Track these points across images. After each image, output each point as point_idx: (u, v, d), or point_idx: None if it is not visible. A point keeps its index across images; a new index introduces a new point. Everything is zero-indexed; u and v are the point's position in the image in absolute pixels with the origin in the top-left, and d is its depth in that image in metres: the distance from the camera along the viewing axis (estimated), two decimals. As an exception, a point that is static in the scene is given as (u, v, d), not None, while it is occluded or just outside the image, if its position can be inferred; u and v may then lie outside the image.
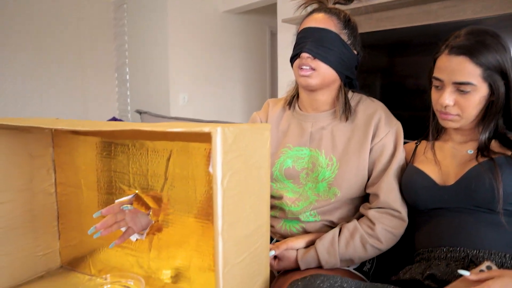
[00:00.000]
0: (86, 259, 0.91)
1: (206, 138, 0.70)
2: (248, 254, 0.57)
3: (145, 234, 0.77)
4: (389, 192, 0.96)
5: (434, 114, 0.98)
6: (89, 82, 3.72)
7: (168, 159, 0.74)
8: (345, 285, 0.62)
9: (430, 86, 0.93)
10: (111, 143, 0.82)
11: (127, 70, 3.86)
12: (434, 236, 0.87)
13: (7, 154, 0.82)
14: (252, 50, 4.08)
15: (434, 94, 0.92)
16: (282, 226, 1.07)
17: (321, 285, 0.60)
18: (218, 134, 0.48)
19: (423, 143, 1.03)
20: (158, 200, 0.77)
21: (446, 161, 0.92)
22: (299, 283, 0.60)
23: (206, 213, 0.72)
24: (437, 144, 0.98)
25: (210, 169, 0.66)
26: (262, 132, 0.61)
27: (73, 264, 0.93)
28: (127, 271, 0.83)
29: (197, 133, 0.69)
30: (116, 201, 0.78)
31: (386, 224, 0.95)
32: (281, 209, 1.07)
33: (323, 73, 0.99)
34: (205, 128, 0.49)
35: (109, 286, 0.79)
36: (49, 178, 0.91)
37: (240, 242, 0.54)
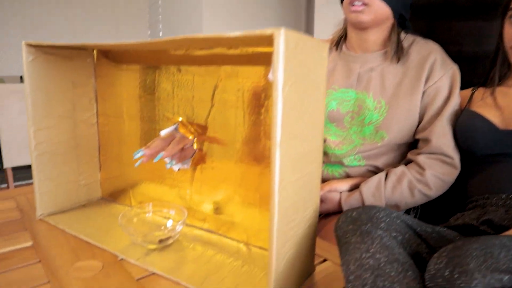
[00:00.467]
0: (127, 191, 0.91)
1: (259, 59, 0.66)
2: (302, 176, 0.54)
3: (189, 164, 0.75)
4: (442, 136, 0.90)
5: (497, 59, 0.90)
6: (122, 38, 3.71)
7: (216, 85, 0.71)
8: (402, 218, 0.58)
9: (502, 23, 0.85)
10: (155, 69, 0.79)
11: (160, 27, 3.82)
12: (491, 182, 0.81)
13: (51, 80, 0.81)
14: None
15: (509, 28, 0.84)
16: (324, 171, 1.04)
17: (377, 214, 0.56)
18: (281, 36, 0.44)
19: (480, 89, 0.96)
20: (203, 128, 0.74)
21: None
22: (353, 213, 0.57)
23: (253, 143, 0.69)
24: (500, 89, 0.90)
25: (270, 76, 0.62)
26: (321, 50, 0.56)
27: (114, 196, 0.93)
28: (167, 202, 0.82)
29: (250, 55, 0.66)
30: (161, 132, 0.76)
31: (437, 170, 0.90)
32: (324, 152, 1.03)
33: (376, 9, 0.92)
34: (267, 30, 0.44)
35: (150, 214, 0.79)
36: (91, 108, 0.90)
37: (295, 160, 0.51)
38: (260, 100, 0.66)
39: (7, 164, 2.19)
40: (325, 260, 0.69)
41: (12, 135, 2.15)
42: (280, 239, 0.50)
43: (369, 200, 0.90)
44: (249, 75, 0.67)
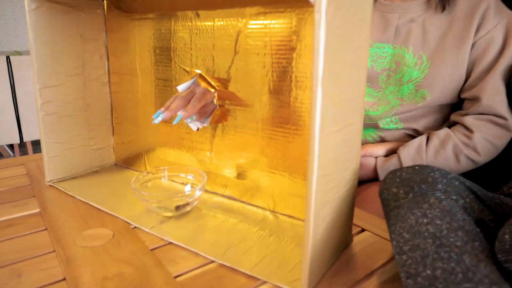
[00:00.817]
0: (141, 157, 0.84)
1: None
2: (344, 128, 0.45)
3: (208, 121, 0.67)
4: (494, 94, 0.79)
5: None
6: None
7: (239, 30, 0.62)
8: (460, 179, 0.49)
9: None
10: (171, 17, 0.70)
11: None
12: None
13: (57, 32, 0.73)
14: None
15: None
16: (357, 135, 0.94)
17: (432, 174, 0.47)
18: None
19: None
20: (224, 81, 0.66)
21: None
22: (403, 173, 0.48)
23: (282, 95, 0.60)
24: None
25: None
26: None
27: (128, 161, 0.87)
28: (185, 166, 0.75)
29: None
30: (178, 87, 0.67)
31: (487, 133, 0.79)
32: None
33: None
34: None
35: (166, 179, 0.71)
36: (102, 65, 0.82)
37: (338, 105, 0.42)
38: (291, 43, 0.56)
39: (27, 137, 2.17)
40: (363, 230, 0.61)
41: (30, 108, 2.12)
42: (319, 201, 0.42)
43: (408, 165, 0.80)
44: (278, 16, 0.57)
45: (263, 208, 0.67)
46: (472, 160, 0.80)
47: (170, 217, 0.64)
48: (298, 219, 0.64)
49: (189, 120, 0.67)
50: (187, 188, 0.70)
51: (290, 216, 0.64)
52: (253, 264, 0.51)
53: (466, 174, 0.93)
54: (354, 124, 0.48)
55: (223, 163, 0.70)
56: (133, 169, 0.86)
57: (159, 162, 0.80)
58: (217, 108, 0.67)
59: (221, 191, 0.72)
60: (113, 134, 0.87)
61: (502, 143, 0.80)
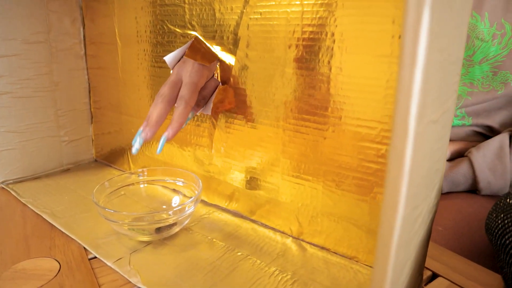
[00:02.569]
0: (124, 152, 0.64)
1: None
2: (441, 115, 0.24)
3: (210, 107, 0.46)
4: None
5: None
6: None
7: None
8: None
9: None
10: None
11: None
12: None
13: (10, -17, 0.54)
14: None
15: None
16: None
17: None
18: None
19: None
20: (230, 47, 0.45)
21: None
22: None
23: (312, 69, 0.39)
24: None
25: None
26: None
27: (111, 158, 0.67)
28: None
29: None
30: (165, 58, 0.47)
31: None
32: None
33: None
34: None
35: (145, 185, 0.52)
36: (76, 33, 0.63)
37: (438, 86, 0.20)
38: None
39: None
40: (436, 276, 0.40)
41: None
42: (401, 244, 0.21)
43: (484, 173, 0.58)
44: None
45: (283, 233, 0.47)
46: None
47: (147, 243, 0.44)
48: (335, 253, 0.43)
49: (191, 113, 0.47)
50: (175, 200, 0.50)
51: (323, 248, 0.44)
52: None
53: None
54: (449, 111, 0.27)
55: (228, 165, 0.50)
56: (116, 168, 0.66)
57: (146, 160, 0.61)
58: (220, 88, 0.46)
59: (223, 203, 0.52)
60: (91, 122, 0.68)
61: None
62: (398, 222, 0.19)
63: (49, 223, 0.48)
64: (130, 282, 0.38)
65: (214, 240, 0.45)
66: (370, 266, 0.41)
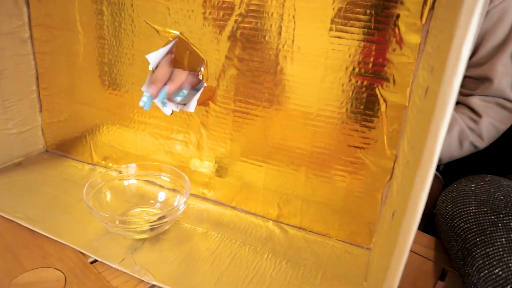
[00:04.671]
0: (85, 141, 0.62)
1: None
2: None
3: (194, 105, 0.48)
4: (504, 76, 0.70)
5: None
6: None
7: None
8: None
9: None
10: None
11: None
12: None
13: None
14: None
15: None
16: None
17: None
18: None
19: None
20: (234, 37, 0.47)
21: None
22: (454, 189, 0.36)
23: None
24: None
25: None
26: None
27: (65, 147, 0.64)
28: (149, 159, 0.56)
29: None
30: (148, 57, 0.47)
31: (494, 117, 0.71)
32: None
33: None
34: None
35: (132, 182, 0.53)
36: (19, 13, 0.57)
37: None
38: None
39: None
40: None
41: None
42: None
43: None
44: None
45: (262, 217, 0.52)
46: (475, 146, 0.72)
47: (142, 240, 0.46)
48: (311, 231, 0.50)
49: (160, 103, 0.48)
50: (161, 195, 0.52)
51: (300, 228, 0.51)
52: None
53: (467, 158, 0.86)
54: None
55: (201, 152, 0.53)
56: (73, 159, 0.64)
57: (110, 150, 0.60)
58: (206, 87, 0.48)
59: (199, 192, 0.56)
60: (40, 111, 0.63)
61: (505, 127, 0.73)
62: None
63: (28, 229, 0.47)
64: (143, 281, 0.40)
65: (206, 231, 0.49)
66: (342, 241, 0.49)
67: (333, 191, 0.47)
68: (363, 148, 0.44)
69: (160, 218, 0.45)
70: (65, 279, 0.40)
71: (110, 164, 0.61)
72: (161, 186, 0.53)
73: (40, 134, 0.64)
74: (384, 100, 0.41)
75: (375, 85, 0.41)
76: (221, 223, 0.50)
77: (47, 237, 0.45)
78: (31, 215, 0.49)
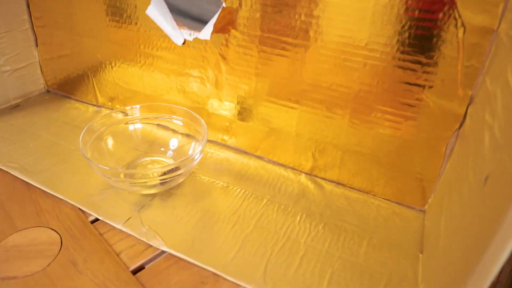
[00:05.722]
0: (88, 80, 0.54)
1: None
2: None
3: (209, 31, 0.38)
4: None
5: None
6: None
7: None
8: None
9: None
10: None
11: None
12: None
13: None
14: None
15: None
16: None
17: None
18: None
19: None
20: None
21: None
22: None
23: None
24: None
25: None
26: None
27: (67, 87, 0.57)
28: (160, 100, 0.48)
29: None
30: (147, 12, 0.37)
31: None
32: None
33: None
34: None
35: (138, 126, 0.45)
36: None
37: None
38: None
39: None
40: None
41: None
42: None
43: None
44: None
45: (293, 169, 0.44)
46: None
47: (152, 196, 0.39)
48: (352, 188, 0.42)
49: (171, 30, 0.38)
50: (173, 142, 0.44)
51: (338, 183, 0.42)
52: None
53: None
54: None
55: (223, 92, 0.44)
56: (76, 99, 0.57)
57: (115, 89, 0.52)
58: (224, 9, 0.38)
59: (219, 138, 0.47)
60: (36, 45, 0.55)
61: None
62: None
63: (23, 181, 0.40)
64: (152, 246, 0.34)
65: (227, 185, 0.41)
66: (388, 200, 0.41)
67: (382, 140, 0.38)
68: (427, 86, 0.34)
69: (172, 170, 0.37)
70: (61, 242, 0.33)
71: (118, 106, 0.53)
72: (173, 131, 0.45)
73: (39, 72, 0.57)
74: (463, 24, 0.31)
75: (450, 2, 0.30)
76: (244, 176, 0.43)
77: (43, 190, 0.39)
78: (26, 164, 0.42)
